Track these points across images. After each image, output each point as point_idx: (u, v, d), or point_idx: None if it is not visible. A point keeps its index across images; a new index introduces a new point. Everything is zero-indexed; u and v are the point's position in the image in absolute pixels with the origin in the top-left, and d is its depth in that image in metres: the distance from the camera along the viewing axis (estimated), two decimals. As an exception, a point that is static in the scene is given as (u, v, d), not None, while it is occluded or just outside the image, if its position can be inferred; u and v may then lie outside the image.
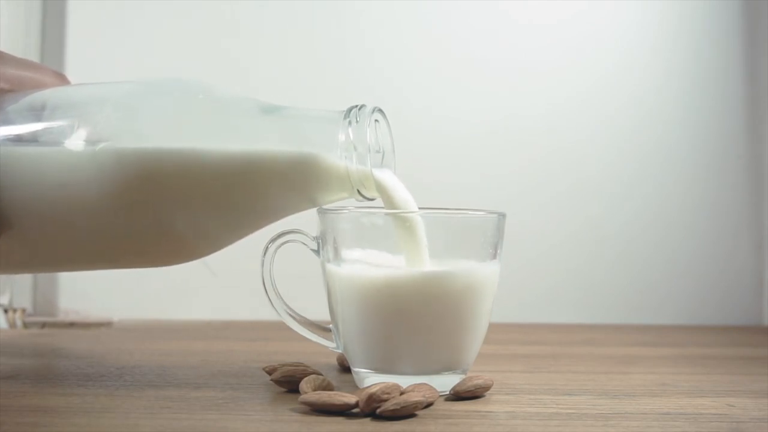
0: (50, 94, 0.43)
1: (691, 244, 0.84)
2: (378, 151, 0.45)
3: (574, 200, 0.83)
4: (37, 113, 0.42)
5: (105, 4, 0.81)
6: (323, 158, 0.43)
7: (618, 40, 0.84)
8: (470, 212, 0.47)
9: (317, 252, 0.48)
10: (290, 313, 0.49)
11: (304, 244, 0.48)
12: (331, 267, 0.46)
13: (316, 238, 0.47)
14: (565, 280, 0.83)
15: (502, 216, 0.47)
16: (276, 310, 0.48)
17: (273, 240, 0.48)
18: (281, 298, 0.48)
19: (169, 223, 0.42)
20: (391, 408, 0.40)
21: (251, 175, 0.42)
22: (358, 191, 0.44)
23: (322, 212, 0.47)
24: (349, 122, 0.43)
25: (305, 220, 0.50)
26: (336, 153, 0.43)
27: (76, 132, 0.41)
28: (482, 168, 0.83)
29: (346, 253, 0.45)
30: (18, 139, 0.41)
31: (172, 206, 0.42)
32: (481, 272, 0.45)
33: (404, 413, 0.40)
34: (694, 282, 0.83)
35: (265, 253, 0.48)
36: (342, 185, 0.43)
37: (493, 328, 0.49)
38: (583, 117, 0.84)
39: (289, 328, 0.49)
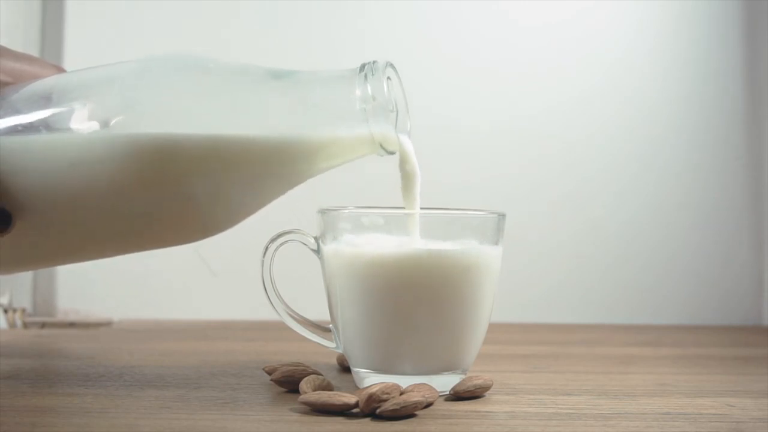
0: (55, 81, 0.43)
1: (691, 244, 0.84)
2: (392, 110, 0.44)
3: (574, 200, 0.83)
4: (44, 100, 0.42)
5: (104, 4, 0.81)
6: (339, 128, 0.42)
7: (618, 40, 0.84)
8: (470, 212, 0.47)
9: (317, 252, 0.48)
10: (290, 313, 0.49)
11: (304, 244, 0.48)
12: (332, 250, 0.46)
13: (316, 238, 0.48)
14: (565, 280, 0.83)
15: (502, 216, 0.47)
16: (276, 310, 0.48)
17: (273, 240, 0.48)
18: (281, 298, 0.48)
19: (190, 198, 0.41)
20: (391, 408, 0.40)
21: (271, 153, 0.42)
22: (381, 145, 0.43)
23: (323, 212, 0.47)
24: (365, 76, 0.43)
25: (305, 220, 0.50)
26: (354, 111, 0.42)
27: (88, 115, 0.40)
28: (483, 168, 0.83)
29: (348, 237, 0.45)
30: (29, 127, 0.41)
31: (193, 183, 0.41)
32: (482, 252, 0.45)
33: (404, 413, 0.40)
34: (694, 282, 0.83)
35: (264, 253, 0.48)
36: (364, 145, 0.43)
37: (493, 328, 0.49)
38: (583, 117, 0.84)
39: (289, 328, 0.49)
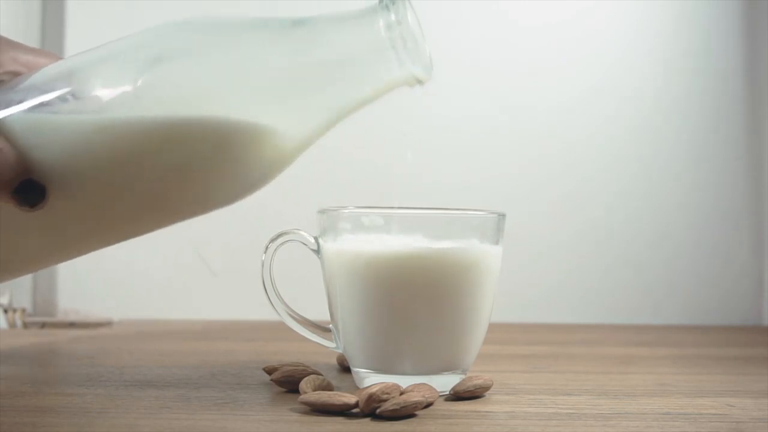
0: (76, 59, 0.42)
1: (691, 245, 0.84)
2: (419, 38, 0.44)
3: (574, 200, 0.83)
4: (67, 77, 0.41)
5: (104, 4, 0.81)
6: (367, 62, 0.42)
7: (618, 40, 0.84)
8: (470, 212, 0.47)
9: (317, 252, 0.48)
10: (290, 313, 0.49)
11: (304, 244, 0.48)
12: (332, 250, 0.46)
13: (316, 238, 0.48)
14: (565, 280, 0.83)
15: (502, 216, 0.47)
16: (276, 310, 0.48)
17: (273, 240, 0.48)
18: (281, 298, 0.48)
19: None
20: (391, 408, 0.40)
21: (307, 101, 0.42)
22: (412, 74, 0.43)
23: (323, 212, 0.47)
24: (386, 6, 0.42)
25: (305, 220, 0.50)
26: (381, 39, 0.41)
27: (112, 91, 0.40)
28: (482, 168, 0.83)
29: (348, 237, 0.45)
30: (55, 102, 0.40)
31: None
32: (483, 252, 0.45)
33: (404, 413, 0.40)
34: (694, 282, 0.83)
35: (265, 253, 0.48)
36: (393, 74, 0.43)
37: (493, 328, 0.49)
38: (583, 117, 0.84)
39: (289, 328, 0.49)
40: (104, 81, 0.40)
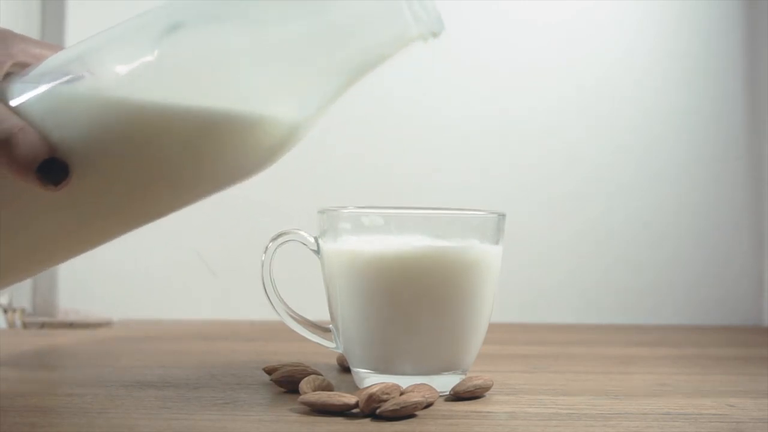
0: (83, 45, 0.42)
1: (691, 244, 0.84)
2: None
3: (574, 200, 0.83)
4: (76, 62, 0.41)
5: (104, 4, 0.81)
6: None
7: (618, 40, 0.84)
8: (470, 212, 0.47)
9: (317, 252, 0.48)
10: (290, 313, 0.48)
11: (304, 244, 0.48)
12: (332, 250, 0.46)
13: (316, 238, 0.48)
14: (565, 280, 0.83)
15: (502, 216, 0.47)
16: (276, 310, 0.48)
17: (273, 240, 0.48)
18: (281, 298, 0.48)
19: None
20: (391, 408, 0.40)
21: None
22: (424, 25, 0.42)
23: (323, 212, 0.47)
24: None
25: (305, 220, 0.50)
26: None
27: (120, 71, 0.40)
28: (482, 168, 0.83)
29: (348, 237, 0.45)
30: (64, 85, 0.40)
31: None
32: (483, 252, 0.45)
33: (404, 413, 0.40)
34: (694, 282, 0.83)
35: (264, 253, 0.48)
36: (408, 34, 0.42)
37: (493, 328, 0.49)
38: (583, 117, 0.84)
39: (289, 328, 0.49)
40: (118, 56, 0.40)
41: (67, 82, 0.40)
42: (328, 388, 0.44)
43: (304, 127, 0.43)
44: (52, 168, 0.38)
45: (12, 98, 0.40)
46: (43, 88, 0.40)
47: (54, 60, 0.42)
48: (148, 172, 0.41)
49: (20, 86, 0.40)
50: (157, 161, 0.40)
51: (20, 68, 0.42)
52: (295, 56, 0.41)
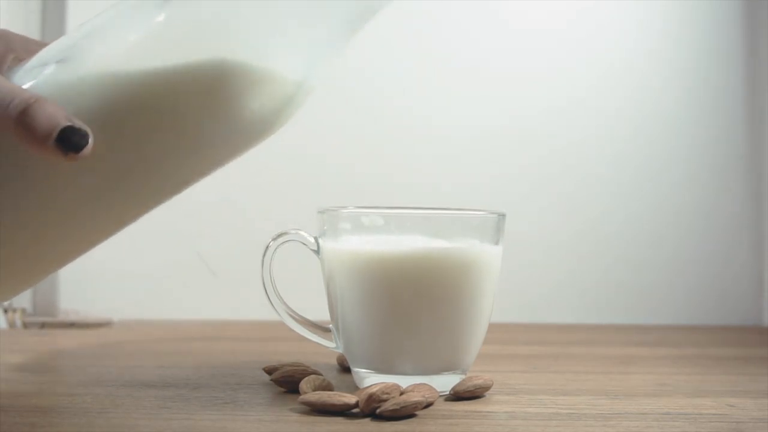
0: (77, 31, 0.42)
1: (690, 245, 0.84)
2: None
3: (574, 201, 0.83)
4: (72, 43, 0.41)
5: (104, 3, 0.81)
6: None
7: (618, 41, 0.84)
8: (470, 212, 0.47)
9: (317, 252, 0.48)
10: (290, 313, 0.49)
11: (304, 244, 0.48)
12: (332, 250, 0.46)
13: (316, 238, 0.48)
14: (565, 280, 0.83)
15: (502, 216, 0.47)
16: (276, 310, 0.48)
17: (273, 240, 0.48)
18: (281, 298, 0.48)
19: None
20: (391, 408, 0.40)
21: None
22: None
23: (323, 212, 0.47)
24: None
25: (305, 220, 0.50)
26: None
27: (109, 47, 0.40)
28: (482, 169, 0.83)
29: (348, 237, 0.45)
30: (61, 63, 0.40)
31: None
32: (483, 252, 0.45)
33: (404, 413, 0.40)
34: (693, 282, 0.83)
35: (265, 253, 0.48)
36: None
37: (493, 328, 0.49)
38: (583, 118, 0.84)
39: (289, 328, 0.49)
40: (123, 27, 0.40)
41: (72, 61, 0.40)
42: (328, 388, 0.44)
43: (309, 84, 0.42)
44: (72, 136, 0.37)
45: (17, 83, 0.39)
46: (48, 70, 0.40)
47: (56, 44, 0.42)
48: (169, 138, 0.40)
49: (22, 73, 0.40)
50: (174, 126, 0.40)
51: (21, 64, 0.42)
52: (301, 10, 0.41)
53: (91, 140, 0.37)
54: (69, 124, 0.36)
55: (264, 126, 0.42)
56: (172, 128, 0.40)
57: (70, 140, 0.36)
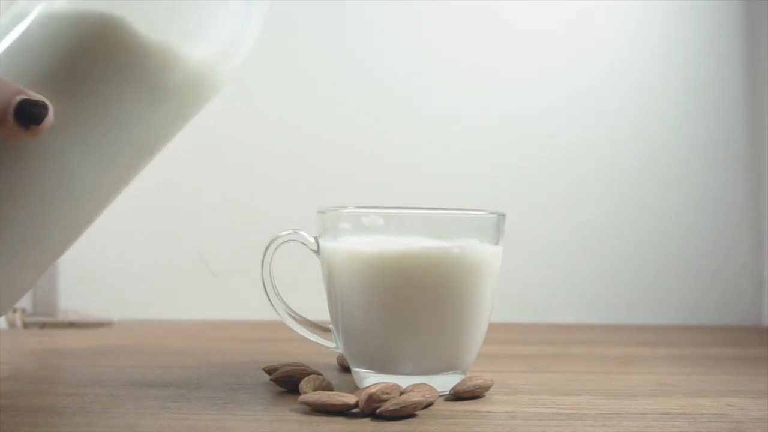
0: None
1: (690, 244, 0.84)
2: None
3: (574, 200, 0.83)
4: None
5: None
6: None
7: (618, 41, 0.84)
8: (470, 212, 0.47)
9: (317, 252, 0.48)
10: (290, 313, 0.49)
11: (304, 244, 0.48)
12: (332, 250, 0.46)
13: (316, 238, 0.48)
14: (565, 280, 0.83)
15: (501, 216, 0.47)
16: (276, 310, 0.48)
17: (273, 240, 0.48)
18: (281, 298, 0.48)
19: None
20: (391, 408, 0.40)
21: None
22: None
23: (323, 212, 0.47)
24: None
25: (305, 220, 0.50)
26: None
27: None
28: (482, 169, 0.83)
29: (348, 237, 0.45)
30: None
31: None
32: (483, 252, 0.45)
33: (404, 413, 0.40)
34: (693, 282, 0.83)
35: (265, 253, 0.48)
36: None
37: (493, 328, 0.49)
38: (583, 118, 0.84)
39: (289, 328, 0.49)
40: None
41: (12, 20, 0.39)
42: (328, 388, 0.44)
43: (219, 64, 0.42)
44: (31, 108, 0.35)
45: None
46: None
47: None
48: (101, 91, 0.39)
49: None
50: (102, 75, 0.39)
51: None
52: None
53: (51, 109, 0.36)
54: (24, 97, 0.35)
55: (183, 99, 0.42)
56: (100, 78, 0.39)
57: (30, 113, 0.35)
